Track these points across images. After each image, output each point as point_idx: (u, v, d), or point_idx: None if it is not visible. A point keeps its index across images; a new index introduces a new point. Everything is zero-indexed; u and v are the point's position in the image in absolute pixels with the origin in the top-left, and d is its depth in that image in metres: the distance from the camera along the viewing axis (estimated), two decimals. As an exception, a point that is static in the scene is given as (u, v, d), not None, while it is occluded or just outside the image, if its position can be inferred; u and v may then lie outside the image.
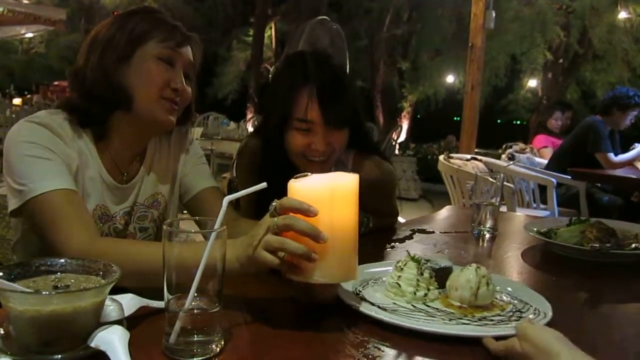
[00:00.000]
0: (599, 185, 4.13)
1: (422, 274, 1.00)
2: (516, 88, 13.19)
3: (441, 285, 1.03)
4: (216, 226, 0.76)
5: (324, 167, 1.40)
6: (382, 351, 0.80)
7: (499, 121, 14.78)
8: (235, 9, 15.59)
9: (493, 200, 1.68)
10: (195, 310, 0.75)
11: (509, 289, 1.07)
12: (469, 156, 3.89)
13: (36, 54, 14.89)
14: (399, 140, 9.34)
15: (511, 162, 4.20)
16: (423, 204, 8.01)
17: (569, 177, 3.86)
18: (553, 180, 3.66)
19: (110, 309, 0.78)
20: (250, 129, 8.63)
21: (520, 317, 0.93)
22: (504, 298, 1.03)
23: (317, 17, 7.15)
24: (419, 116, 14.53)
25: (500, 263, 1.41)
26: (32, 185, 1.04)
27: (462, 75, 10.83)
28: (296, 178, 0.86)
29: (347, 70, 1.60)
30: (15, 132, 1.09)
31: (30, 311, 0.66)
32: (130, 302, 0.83)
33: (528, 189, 3.96)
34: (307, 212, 0.81)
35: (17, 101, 11.07)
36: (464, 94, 5.38)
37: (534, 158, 4.93)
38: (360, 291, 1.02)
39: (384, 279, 1.08)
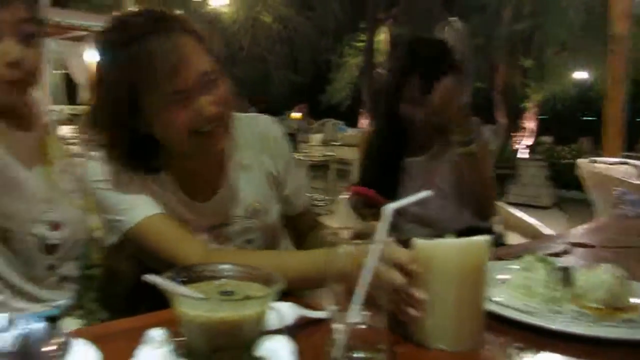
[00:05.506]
0: None
1: (551, 274, 0.97)
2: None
3: (566, 285, 0.99)
4: (381, 237, 0.71)
5: None
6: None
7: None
8: (346, 16, 15.72)
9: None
10: (360, 325, 0.70)
11: None
12: (615, 159, 3.51)
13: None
14: (527, 143, 8.78)
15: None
16: (555, 212, 7.32)
17: None
18: None
19: (271, 317, 0.76)
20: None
21: None
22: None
23: (449, 19, 6.93)
24: (544, 117, 13.60)
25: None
26: (125, 218, 1.05)
27: (594, 70, 9.95)
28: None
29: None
30: (91, 173, 1.09)
31: (201, 317, 0.65)
32: (288, 311, 0.81)
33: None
34: (408, 275, 0.78)
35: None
36: (599, 90, 4.88)
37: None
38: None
39: (498, 276, 1.04)
